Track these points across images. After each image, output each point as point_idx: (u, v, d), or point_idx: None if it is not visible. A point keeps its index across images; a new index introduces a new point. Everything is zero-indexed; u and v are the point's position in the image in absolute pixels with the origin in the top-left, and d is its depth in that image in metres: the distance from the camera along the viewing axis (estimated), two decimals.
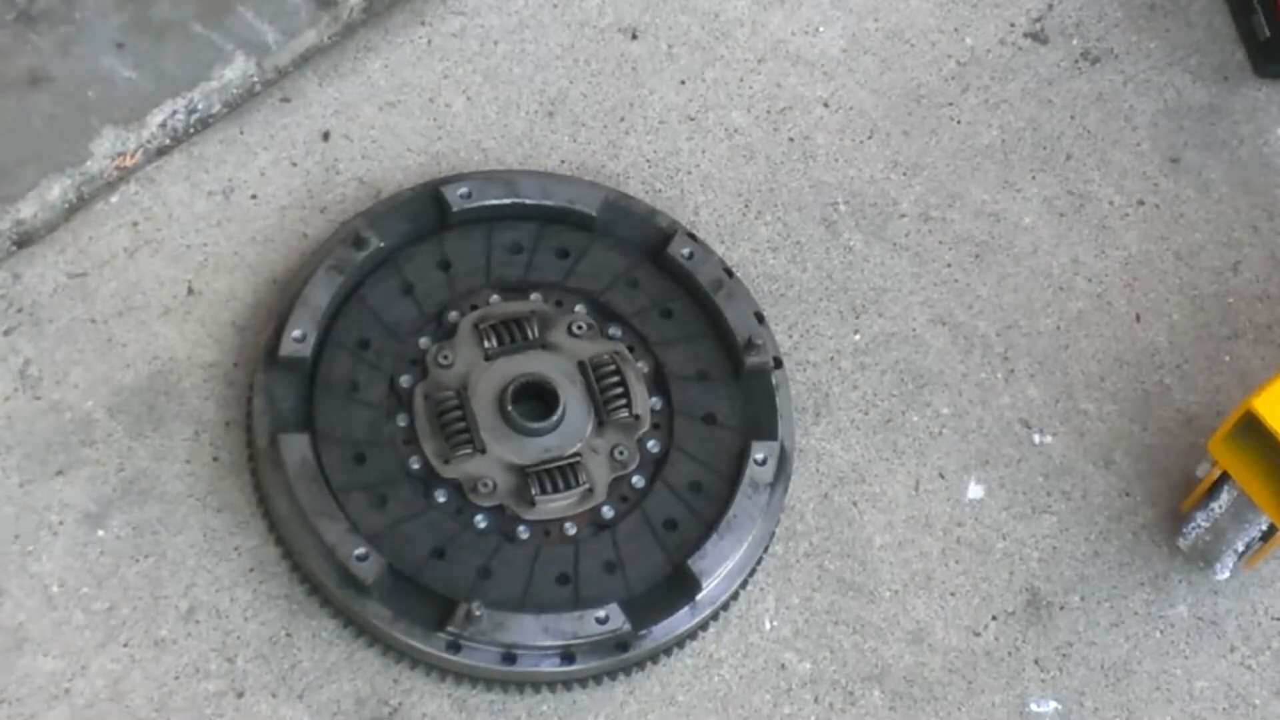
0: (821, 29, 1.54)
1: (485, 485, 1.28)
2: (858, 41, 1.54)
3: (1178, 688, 1.36)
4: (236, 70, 1.41)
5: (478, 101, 1.47)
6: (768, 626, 1.33)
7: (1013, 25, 1.57)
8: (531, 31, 1.50)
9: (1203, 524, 1.35)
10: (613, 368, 1.32)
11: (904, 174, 1.50)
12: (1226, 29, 1.60)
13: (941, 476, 1.40)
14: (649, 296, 1.37)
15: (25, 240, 1.35)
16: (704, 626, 1.30)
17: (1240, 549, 1.35)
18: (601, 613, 1.24)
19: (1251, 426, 1.25)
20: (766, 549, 1.32)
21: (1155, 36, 1.58)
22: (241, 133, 1.42)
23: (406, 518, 1.27)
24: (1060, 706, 1.34)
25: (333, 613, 1.27)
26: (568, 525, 1.29)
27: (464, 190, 1.36)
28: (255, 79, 1.42)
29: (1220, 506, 1.33)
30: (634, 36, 1.51)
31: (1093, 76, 1.56)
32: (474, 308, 1.34)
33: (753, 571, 1.31)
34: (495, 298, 1.35)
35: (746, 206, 1.47)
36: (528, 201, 1.38)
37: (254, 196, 1.40)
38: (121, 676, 1.26)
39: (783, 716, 1.31)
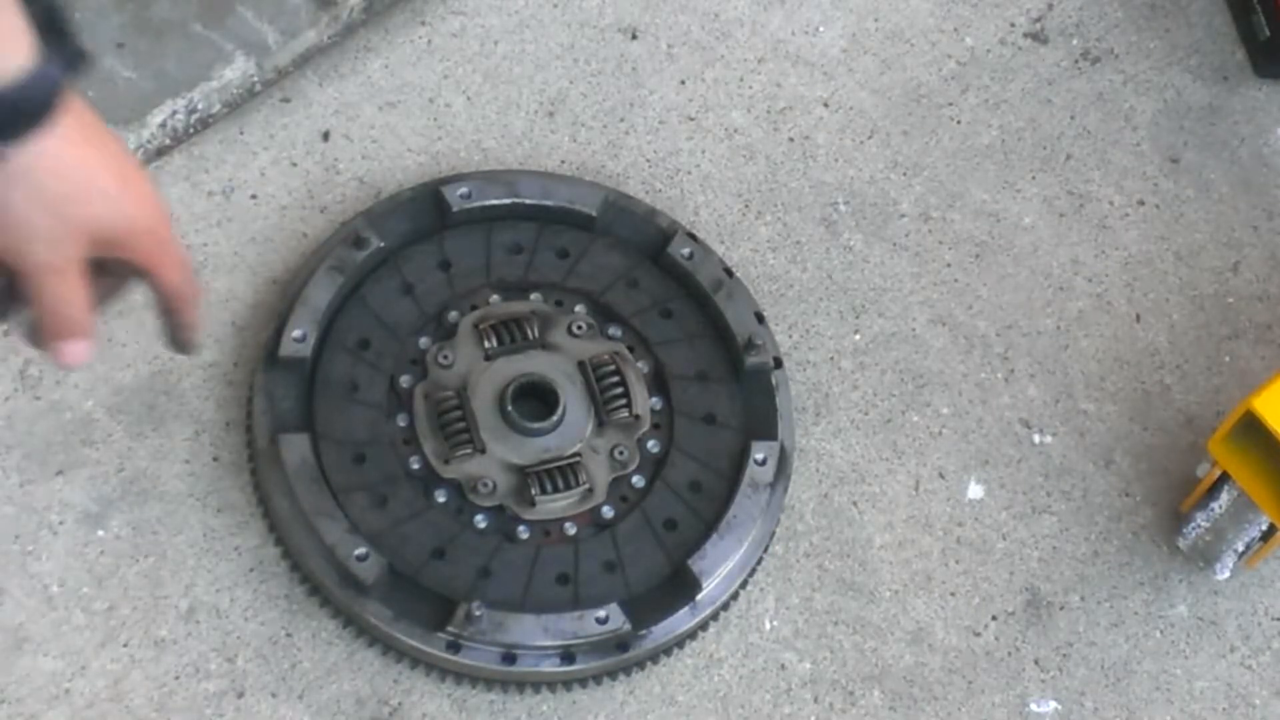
0: (821, 29, 1.54)
1: (485, 485, 1.28)
2: (858, 42, 1.54)
3: (1178, 688, 1.36)
4: (236, 70, 1.41)
5: (478, 101, 1.47)
6: (768, 626, 1.33)
7: (1013, 25, 1.57)
8: (532, 31, 1.50)
9: (1203, 524, 1.35)
10: (613, 368, 1.32)
11: (904, 174, 1.50)
12: (1226, 29, 1.60)
13: (941, 476, 1.40)
14: (649, 296, 1.37)
15: None
16: (704, 626, 1.30)
17: (1240, 549, 1.35)
18: (601, 613, 1.24)
19: (1251, 426, 1.26)
20: (766, 549, 1.32)
21: (1155, 36, 1.58)
22: (241, 133, 1.42)
23: (406, 518, 1.27)
24: (1060, 706, 1.34)
25: (333, 613, 1.27)
26: (568, 525, 1.29)
27: (464, 190, 1.36)
28: (255, 79, 1.42)
29: (1220, 506, 1.33)
30: (634, 36, 1.51)
31: (1093, 76, 1.56)
32: (474, 308, 1.34)
33: (753, 571, 1.31)
34: (495, 298, 1.35)
35: (746, 206, 1.47)
36: (528, 201, 1.38)
37: (254, 196, 1.40)
38: (121, 676, 1.26)
39: (783, 716, 1.31)
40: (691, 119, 1.49)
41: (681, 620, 1.28)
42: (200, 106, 1.40)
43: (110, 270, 1.03)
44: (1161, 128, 1.55)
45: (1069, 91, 1.55)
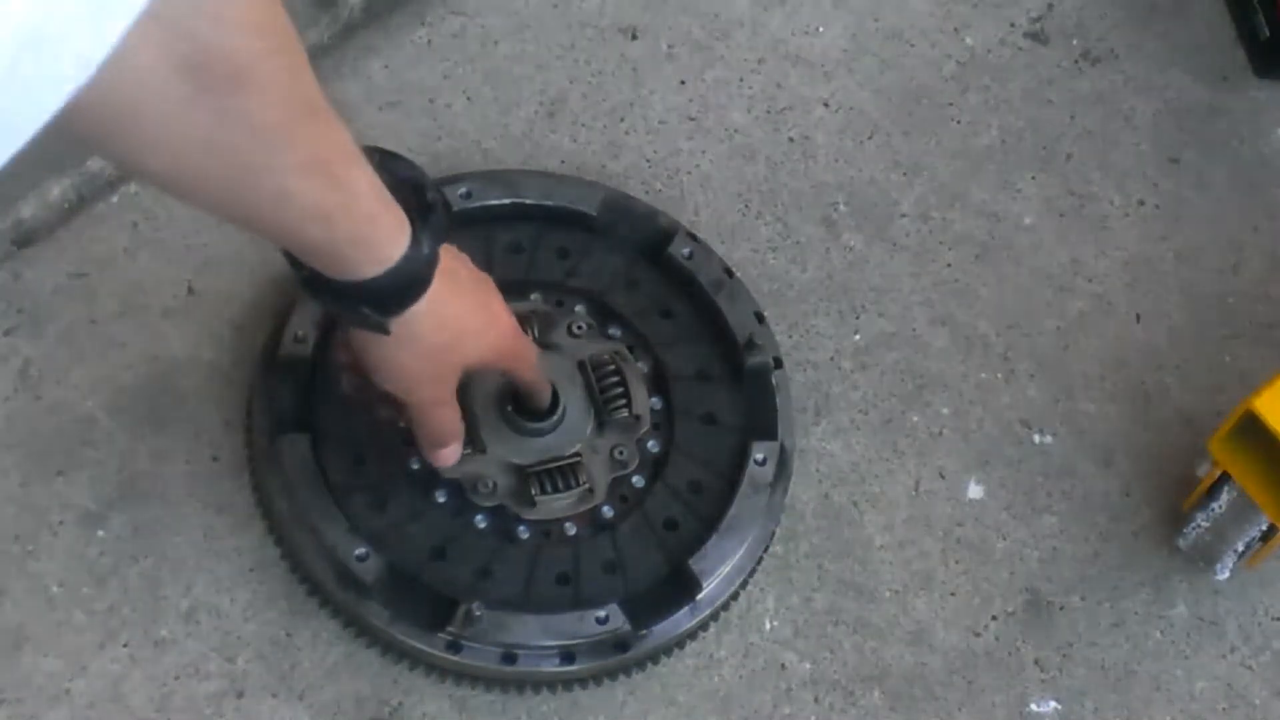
0: (822, 29, 1.55)
1: (485, 485, 1.28)
2: (858, 42, 1.54)
3: (1178, 688, 1.36)
4: None
5: (478, 102, 1.47)
6: (768, 627, 1.33)
7: (1013, 25, 1.57)
8: (532, 32, 1.50)
9: (1203, 524, 1.35)
10: (613, 368, 1.32)
11: (904, 174, 1.50)
12: (1227, 29, 1.60)
13: (942, 477, 1.40)
14: (649, 296, 1.37)
15: (25, 240, 1.36)
16: (704, 627, 1.30)
17: (1240, 549, 1.35)
18: (601, 613, 1.25)
19: (1252, 427, 1.25)
20: (766, 549, 1.32)
21: (1155, 37, 1.58)
22: None
23: (406, 518, 1.27)
24: (1060, 706, 1.34)
25: (333, 613, 1.27)
26: (568, 525, 1.29)
27: (464, 190, 1.37)
28: None
29: (1220, 506, 1.33)
30: (634, 37, 1.51)
31: (1093, 77, 1.56)
32: None
33: (753, 572, 1.31)
34: None
35: (746, 206, 1.47)
36: (528, 201, 1.38)
37: None
38: (122, 677, 1.26)
39: (783, 717, 1.31)
40: (692, 119, 1.49)
41: (681, 620, 1.28)
42: None
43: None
44: (1162, 128, 1.55)
45: (1069, 92, 1.55)
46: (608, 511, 1.30)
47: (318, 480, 1.26)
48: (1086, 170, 1.52)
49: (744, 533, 1.29)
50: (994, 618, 1.36)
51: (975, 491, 1.39)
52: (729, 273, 1.38)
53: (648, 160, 1.47)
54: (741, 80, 1.51)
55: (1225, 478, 1.31)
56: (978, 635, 1.35)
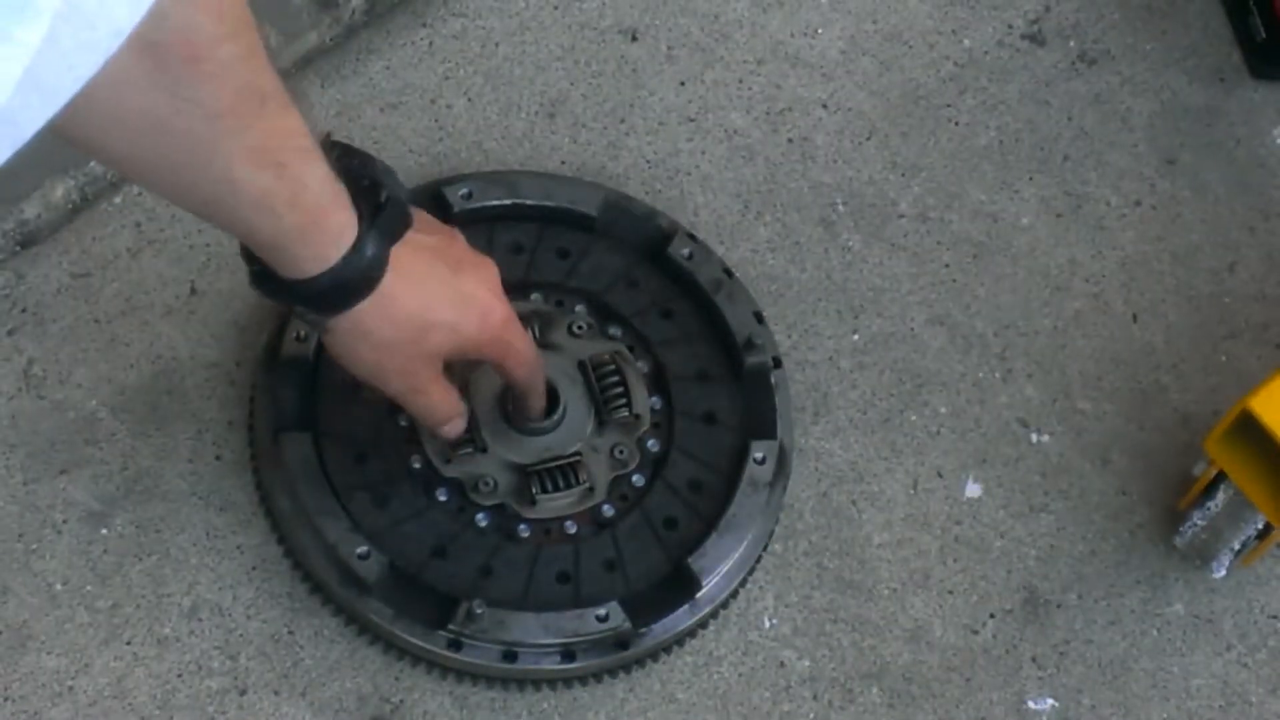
0: (820, 31, 1.55)
1: (486, 484, 1.28)
2: (856, 43, 1.55)
3: (1174, 685, 1.36)
4: None
5: (479, 103, 1.47)
6: (767, 624, 1.34)
7: (1010, 27, 1.58)
8: (532, 33, 1.50)
9: (1199, 523, 1.35)
10: (613, 367, 1.33)
11: (902, 175, 1.50)
12: (1223, 30, 1.60)
13: (939, 475, 1.40)
14: (649, 296, 1.37)
15: (29, 240, 1.36)
16: (703, 624, 1.31)
17: (1237, 547, 1.36)
18: (602, 611, 1.25)
19: (1248, 426, 1.26)
20: (766, 547, 1.33)
21: (1152, 38, 1.59)
22: None
23: (408, 516, 1.27)
24: (1058, 704, 1.34)
25: (334, 611, 1.28)
26: (568, 524, 1.29)
27: (465, 191, 1.37)
28: None
29: (1217, 505, 1.34)
30: (634, 38, 1.52)
31: (1090, 78, 1.57)
32: None
33: (752, 570, 1.32)
34: None
35: (746, 207, 1.47)
36: (528, 202, 1.38)
37: None
38: (124, 674, 1.26)
39: (782, 714, 1.31)
40: (691, 120, 1.50)
41: (681, 618, 1.28)
42: None
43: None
44: (1158, 129, 1.55)
45: (1066, 93, 1.56)
46: (608, 510, 1.30)
47: (320, 478, 1.26)
48: (1083, 171, 1.53)
49: (743, 531, 1.29)
50: (991, 615, 1.37)
51: (973, 490, 1.40)
52: (728, 273, 1.38)
53: (648, 161, 1.47)
54: (741, 81, 1.52)
55: (1222, 477, 1.31)
56: (975, 633, 1.36)
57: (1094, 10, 1.59)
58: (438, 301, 1.10)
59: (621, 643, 1.26)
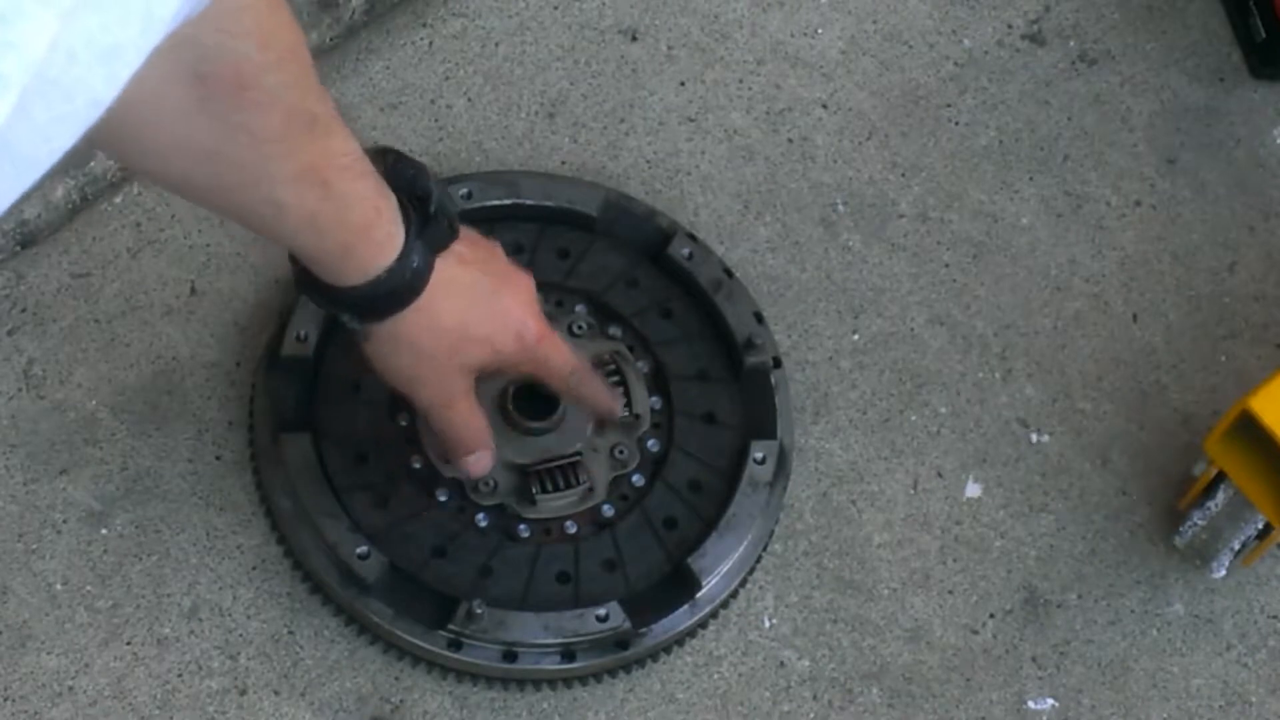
0: (820, 31, 1.55)
1: (486, 484, 1.28)
2: (856, 43, 1.55)
3: (1174, 685, 1.36)
4: None
5: (479, 103, 1.47)
6: (767, 624, 1.34)
7: (1010, 27, 1.58)
8: (532, 33, 1.50)
9: (1199, 523, 1.35)
10: (613, 367, 1.33)
11: (902, 175, 1.50)
12: (1223, 31, 1.60)
13: (939, 475, 1.40)
14: (649, 296, 1.38)
15: (29, 240, 1.36)
16: (703, 624, 1.31)
17: (1237, 547, 1.36)
18: (602, 611, 1.25)
19: (1248, 426, 1.26)
20: (765, 547, 1.33)
21: (1152, 38, 1.59)
22: None
23: (408, 517, 1.27)
24: (1058, 704, 1.35)
25: (335, 610, 1.28)
26: (568, 524, 1.29)
27: (465, 191, 1.37)
28: None
29: (1216, 505, 1.34)
30: (634, 38, 1.52)
31: (1090, 78, 1.57)
32: None
33: (752, 570, 1.32)
34: None
35: (746, 207, 1.47)
36: (528, 202, 1.38)
37: None
38: (124, 674, 1.26)
39: (782, 714, 1.32)
40: (691, 120, 1.50)
41: (681, 618, 1.28)
42: None
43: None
44: (1158, 129, 1.55)
45: (1066, 93, 1.56)
46: (608, 510, 1.30)
47: (320, 479, 1.26)
48: (1083, 171, 1.53)
49: (743, 531, 1.29)
50: (991, 615, 1.37)
51: (973, 490, 1.40)
52: (728, 273, 1.38)
53: (648, 161, 1.47)
54: (741, 81, 1.52)
55: (1221, 477, 1.32)
56: (975, 633, 1.36)
57: (1094, 10, 1.59)
58: (476, 316, 1.12)
59: (621, 643, 1.26)
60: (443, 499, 1.28)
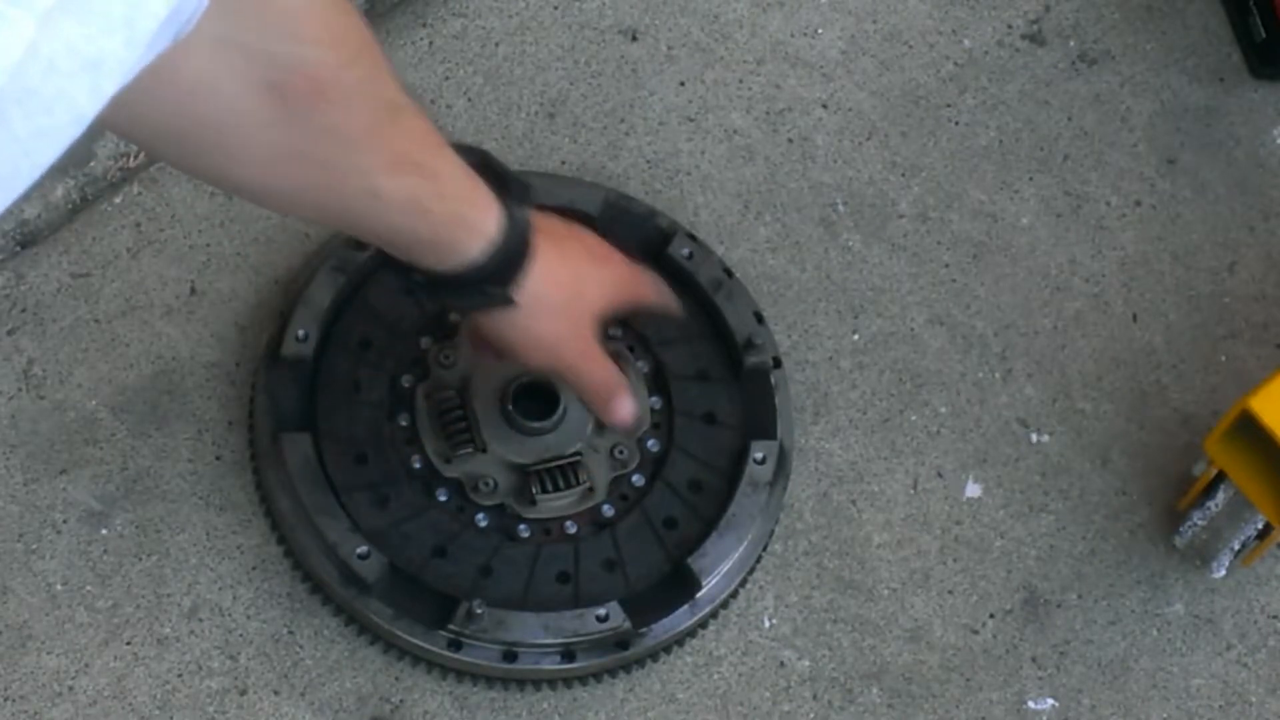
0: (820, 31, 1.55)
1: (486, 484, 1.28)
2: (856, 43, 1.55)
3: (1174, 685, 1.36)
4: None
5: (479, 103, 1.47)
6: (767, 624, 1.34)
7: (1010, 27, 1.58)
8: (532, 33, 1.50)
9: (1199, 523, 1.35)
10: None
11: (902, 175, 1.50)
12: (1223, 30, 1.60)
13: (939, 475, 1.40)
14: None
15: (29, 241, 1.36)
16: (703, 624, 1.31)
17: (1237, 547, 1.36)
18: (602, 611, 1.25)
19: (1248, 426, 1.26)
20: (766, 547, 1.33)
21: (1152, 38, 1.59)
22: None
23: (408, 516, 1.27)
24: (1058, 704, 1.35)
25: (335, 611, 1.28)
26: (568, 524, 1.29)
27: None
28: None
29: (1216, 505, 1.34)
30: (634, 38, 1.52)
31: (1090, 78, 1.57)
32: None
33: (752, 570, 1.32)
34: None
35: (746, 207, 1.47)
36: None
37: None
38: (124, 674, 1.26)
39: (782, 714, 1.32)
40: (691, 120, 1.50)
41: (681, 618, 1.28)
42: None
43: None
44: (1158, 129, 1.55)
45: (1066, 93, 1.56)
46: (608, 510, 1.30)
47: (320, 479, 1.26)
48: (1083, 171, 1.53)
49: (743, 531, 1.29)
50: (991, 615, 1.37)
51: (973, 490, 1.40)
52: (728, 273, 1.38)
53: (648, 161, 1.47)
54: (741, 81, 1.52)
55: (1221, 477, 1.32)
56: (975, 633, 1.36)
57: (1094, 10, 1.59)
58: (578, 259, 1.13)
59: (621, 643, 1.26)
60: (443, 499, 1.29)
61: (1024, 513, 1.40)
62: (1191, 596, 1.39)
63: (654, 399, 1.34)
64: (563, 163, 1.46)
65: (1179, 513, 1.38)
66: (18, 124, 0.55)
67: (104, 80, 0.57)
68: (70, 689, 1.25)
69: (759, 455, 1.31)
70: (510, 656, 1.25)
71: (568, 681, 1.28)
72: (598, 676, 1.28)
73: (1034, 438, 1.43)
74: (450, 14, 1.50)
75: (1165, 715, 1.35)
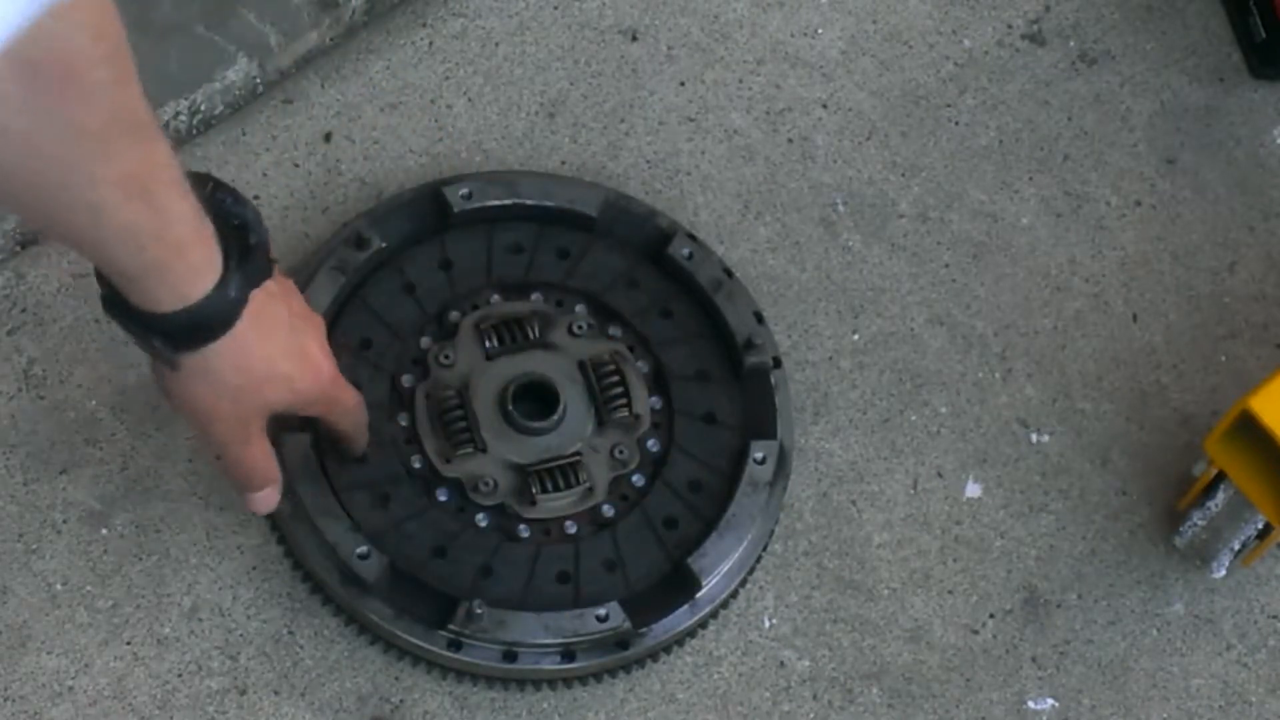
0: (820, 31, 1.55)
1: (486, 484, 1.28)
2: (856, 43, 1.55)
3: (1174, 685, 1.36)
4: (239, 72, 1.42)
5: (479, 103, 1.47)
6: (767, 624, 1.34)
7: (1010, 27, 1.58)
8: (532, 33, 1.50)
9: (1199, 523, 1.35)
10: (613, 367, 1.33)
11: (902, 175, 1.50)
12: (1223, 30, 1.60)
13: (939, 475, 1.40)
14: (649, 296, 1.38)
15: (29, 240, 1.36)
16: (703, 624, 1.31)
17: (1237, 547, 1.36)
18: (602, 611, 1.25)
19: (1248, 426, 1.26)
20: (765, 547, 1.33)
21: (1152, 38, 1.59)
22: (244, 134, 1.42)
23: (408, 516, 1.27)
24: (1058, 704, 1.35)
25: (335, 611, 1.28)
26: (568, 524, 1.29)
27: (465, 191, 1.37)
28: (258, 80, 1.43)
29: (1216, 505, 1.34)
30: (634, 38, 1.52)
31: (1090, 78, 1.57)
32: (475, 308, 1.35)
33: (752, 570, 1.32)
34: (496, 298, 1.36)
35: (746, 207, 1.47)
36: (528, 202, 1.38)
37: (256, 197, 1.40)
38: (124, 674, 1.26)
39: (782, 714, 1.32)
40: (691, 120, 1.50)
41: (681, 618, 1.28)
42: (203, 108, 1.41)
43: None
44: (1158, 129, 1.55)
45: (1066, 93, 1.56)
46: (608, 510, 1.30)
47: (319, 479, 1.26)
48: (1083, 171, 1.53)
49: (743, 531, 1.29)
50: (991, 615, 1.37)
51: (973, 490, 1.40)
52: (728, 273, 1.38)
53: (648, 161, 1.47)
54: (741, 81, 1.52)
55: (1221, 477, 1.32)
56: (975, 633, 1.36)
57: (1094, 10, 1.59)
58: (280, 354, 1.10)
59: (621, 643, 1.26)
60: (443, 499, 1.29)
61: (1024, 513, 1.40)
62: (1191, 596, 1.39)
63: (654, 399, 1.34)
64: (563, 163, 1.46)
65: (1179, 513, 1.38)
66: None
67: None
68: (70, 689, 1.25)
69: (759, 455, 1.31)
70: (510, 656, 1.25)
71: (568, 681, 1.29)
72: (598, 676, 1.28)
73: (1034, 438, 1.43)
74: (450, 14, 1.50)
75: (1165, 715, 1.35)
